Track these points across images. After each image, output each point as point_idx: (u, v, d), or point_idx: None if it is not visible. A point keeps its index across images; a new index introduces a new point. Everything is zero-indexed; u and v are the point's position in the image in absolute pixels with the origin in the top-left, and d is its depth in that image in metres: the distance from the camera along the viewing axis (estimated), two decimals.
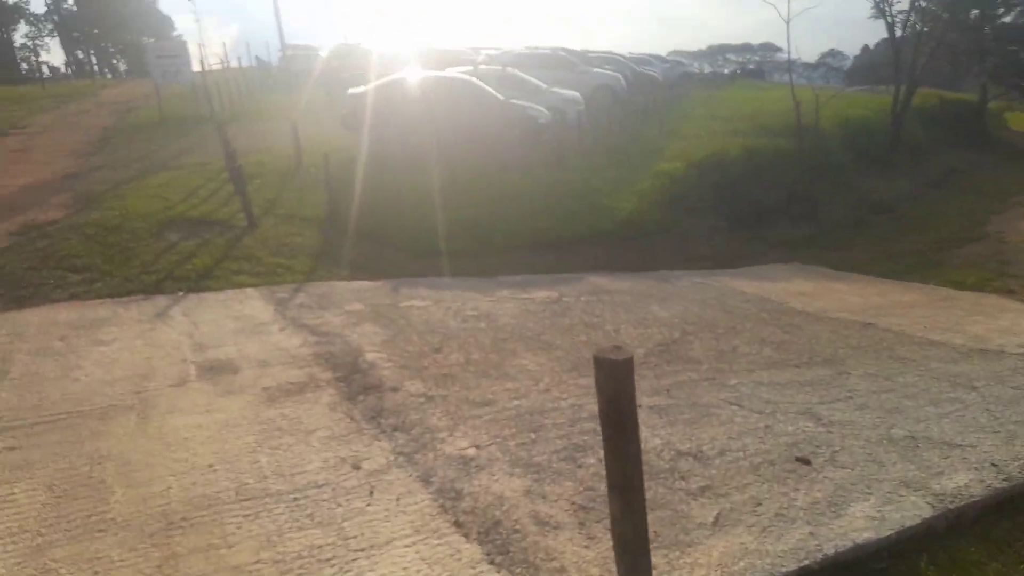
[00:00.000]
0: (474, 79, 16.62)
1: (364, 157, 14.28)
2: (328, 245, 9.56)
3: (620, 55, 32.01)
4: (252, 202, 10.52)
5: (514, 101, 16.49)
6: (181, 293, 7.22)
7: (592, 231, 10.59)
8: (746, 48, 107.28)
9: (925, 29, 25.60)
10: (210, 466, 3.59)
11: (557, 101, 18.45)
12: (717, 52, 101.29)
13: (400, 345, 5.43)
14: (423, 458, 3.63)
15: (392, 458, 3.63)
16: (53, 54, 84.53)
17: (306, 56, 34.85)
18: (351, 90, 16.17)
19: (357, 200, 11.40)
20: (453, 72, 17.78)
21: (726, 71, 63.17)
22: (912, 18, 22.42)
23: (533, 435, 3.89)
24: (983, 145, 29.20)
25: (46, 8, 64.22)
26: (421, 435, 3.87)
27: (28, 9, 62.57)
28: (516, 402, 4.32)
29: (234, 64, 33.48)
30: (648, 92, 26.54)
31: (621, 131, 18.19)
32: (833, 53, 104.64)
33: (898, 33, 23.26)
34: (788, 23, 16.72)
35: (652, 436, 3.89)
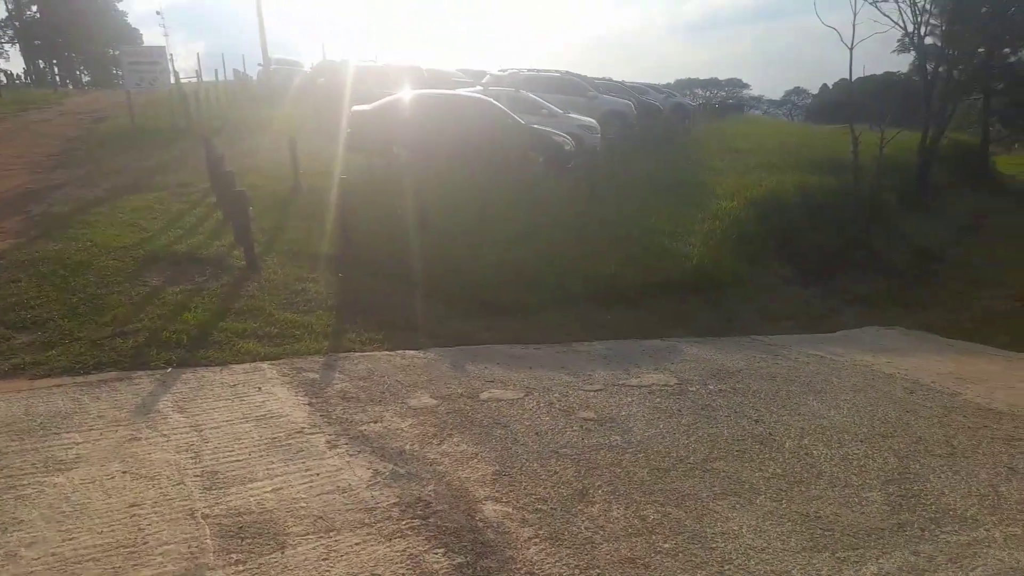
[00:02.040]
0: (493, 100, 14.95)
1: (374, 182, 12.44)
2: (349, 292, 7.67)
3: (619, 82, 30.77)
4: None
5: (536, 126, 14.86)
6: (170, 368, 5.28)
7: (659, 280, 8.88)
8: (713, 83, 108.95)
9: (956, 70, 25.01)
10: None
11: (574, 127, 16.87)
12: (685, 85, 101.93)
13: (524, 485, 3.59)
14: None
15: None
16: (12, 62, 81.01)
17: (288, 71, 32.88)
18: (355, 107, 14.36)
19: (372, 233, 9.55)
20: (468, 92, 16.11)
21: (705, 104, 62.88)
22: (946, 52, 21.52)
23: None
24: (991, 188, 28.47)
25: (7, 14, 61.08)
26: None
27: None
28: None
29: (208, 77, 31.22)
30: (653, 121, 25.29)
31: (644, 161, 16.64)
32: (798, 91, 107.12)
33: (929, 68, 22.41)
34: (851, 48, 15.40)
35: None
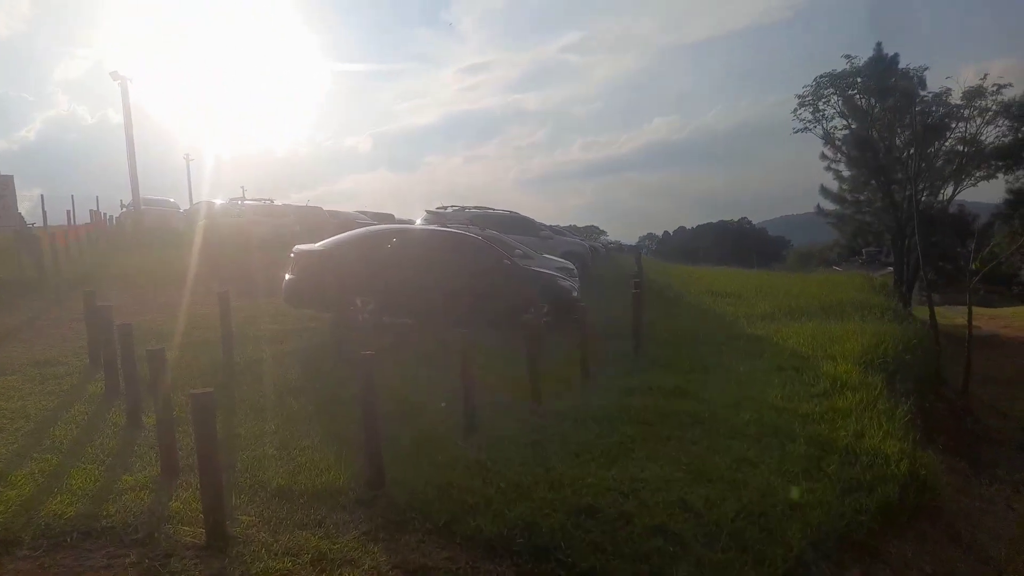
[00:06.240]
0: (476, 237, 11.84)
1: (339, 352, 8.62)
2: None
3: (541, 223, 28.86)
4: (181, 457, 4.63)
5: (535, 268, 11.86)
6: None
7: (872, 502, 5.59)
8: (572, 229, 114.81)
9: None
10: None
11: (553, 270, 14.01)
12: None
13: None
14: None
15: None
16: None
17: (161, 212, 28.30)
18: (299, 247, 10.67)
19: (394, 442, 5.75)
20: (444, 228, 12.89)
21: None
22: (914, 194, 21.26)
23: None
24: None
25: None
26: None
27: None
28: None
29: (57, 221, 25.31)
30: (598, 262, 23.30)
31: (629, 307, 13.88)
32: (650, 236, 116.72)
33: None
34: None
35: None
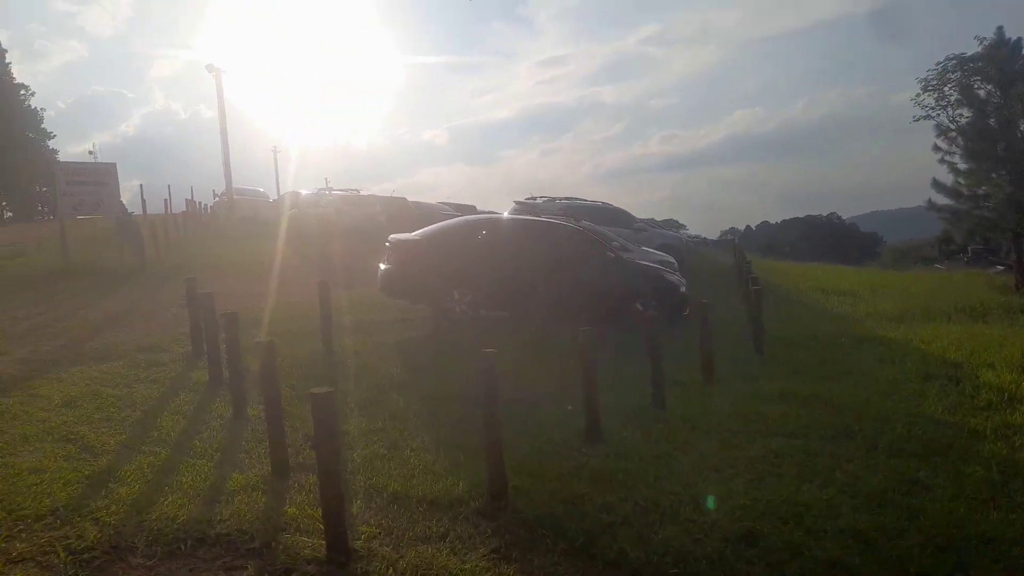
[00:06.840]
0: (579, 228, 11.25)
1: (452, 344, 8.25)
2: None
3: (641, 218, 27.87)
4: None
5: (642, 262, 11.19)
6: None
7: None
8: (651, 223, 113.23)
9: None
10: None
11: (654, 263, 13.27)
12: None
13: None
14: None
15: None
16: None
17: (253, 201, 28.91)
18: (395, 236, 10.34)
19: (512, 449, 5.23)
20: (537, 218, 12.40)
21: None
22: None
23: None
24: None
25: None
26: None
27: None
28: None
29: (154, 210, 25.97)
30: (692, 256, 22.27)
31: (737, 304, 13.00)
32: (733, 231, 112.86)
33: None
34: None
35: None
